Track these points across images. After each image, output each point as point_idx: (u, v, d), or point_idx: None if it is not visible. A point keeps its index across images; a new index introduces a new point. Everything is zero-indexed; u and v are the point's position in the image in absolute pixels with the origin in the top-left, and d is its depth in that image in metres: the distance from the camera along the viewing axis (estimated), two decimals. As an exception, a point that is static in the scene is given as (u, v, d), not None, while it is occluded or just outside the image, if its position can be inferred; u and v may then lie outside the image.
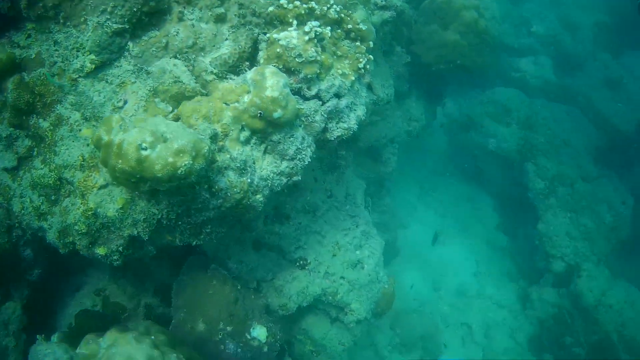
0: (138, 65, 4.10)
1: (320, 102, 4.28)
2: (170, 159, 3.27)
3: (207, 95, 4.08)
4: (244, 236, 5.38)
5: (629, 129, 10.31)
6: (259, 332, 4.50)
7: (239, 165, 3.89)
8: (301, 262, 5.81)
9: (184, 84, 4.01)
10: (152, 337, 3.91)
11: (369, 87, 5.82)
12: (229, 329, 4.56)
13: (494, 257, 9.93)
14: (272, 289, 5.64)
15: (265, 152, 4.11)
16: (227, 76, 4.12)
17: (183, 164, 3.29)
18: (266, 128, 3.93)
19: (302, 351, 6.58)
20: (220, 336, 4.32)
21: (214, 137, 3.83)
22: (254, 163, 4.05)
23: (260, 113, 3.83)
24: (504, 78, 10.86)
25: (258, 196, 4.10)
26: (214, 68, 4.09)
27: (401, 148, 9.16)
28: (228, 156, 3.87)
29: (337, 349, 6.50)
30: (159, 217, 3.76)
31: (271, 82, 3.74)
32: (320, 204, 5.86)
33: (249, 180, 3.98)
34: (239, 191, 3.91)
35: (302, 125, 4.22)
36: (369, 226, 6.41)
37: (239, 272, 5.30)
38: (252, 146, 4.03)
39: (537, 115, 9.70)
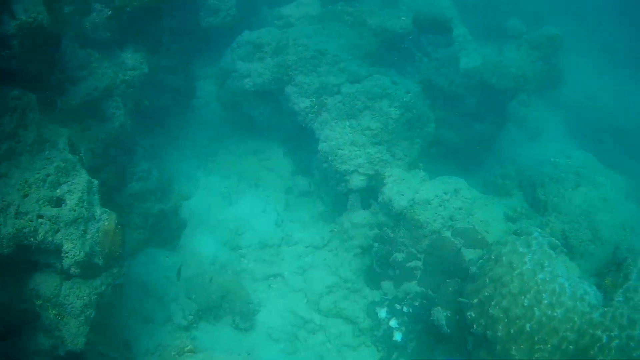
0: None
1: None
2: None
3: None
4: None
5: (407, 28, 10.64)
6: None
7: None
8: (-14, 207, 6.26)
9: None
10: None
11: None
12: None
13: (298, 203, 10.07)
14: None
15: None
16: None
17: None
18: None
19: (48, 319, 6.57)
20: None
21: None
22: None
23: None
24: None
25: None
26: None
27: (175, 124, 9.97)
28: None
29: (76, 304, 6.71)
30: None
31: None
32: (-6, 145, 6.39)
33: None
34: None
35: None
36: (70, 165, 6.64)
37: None
38: None
39: (288, 39, 9.85)
